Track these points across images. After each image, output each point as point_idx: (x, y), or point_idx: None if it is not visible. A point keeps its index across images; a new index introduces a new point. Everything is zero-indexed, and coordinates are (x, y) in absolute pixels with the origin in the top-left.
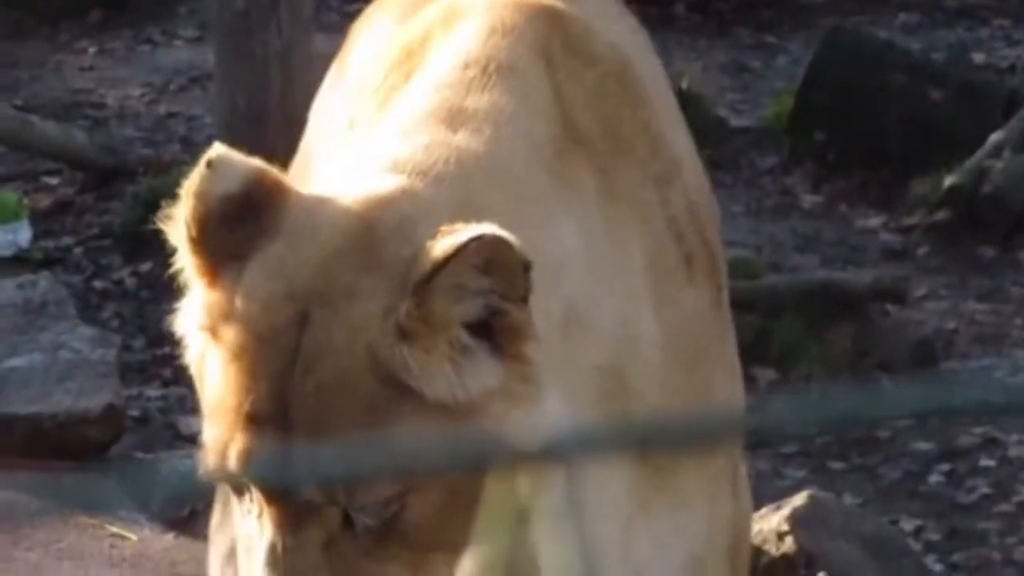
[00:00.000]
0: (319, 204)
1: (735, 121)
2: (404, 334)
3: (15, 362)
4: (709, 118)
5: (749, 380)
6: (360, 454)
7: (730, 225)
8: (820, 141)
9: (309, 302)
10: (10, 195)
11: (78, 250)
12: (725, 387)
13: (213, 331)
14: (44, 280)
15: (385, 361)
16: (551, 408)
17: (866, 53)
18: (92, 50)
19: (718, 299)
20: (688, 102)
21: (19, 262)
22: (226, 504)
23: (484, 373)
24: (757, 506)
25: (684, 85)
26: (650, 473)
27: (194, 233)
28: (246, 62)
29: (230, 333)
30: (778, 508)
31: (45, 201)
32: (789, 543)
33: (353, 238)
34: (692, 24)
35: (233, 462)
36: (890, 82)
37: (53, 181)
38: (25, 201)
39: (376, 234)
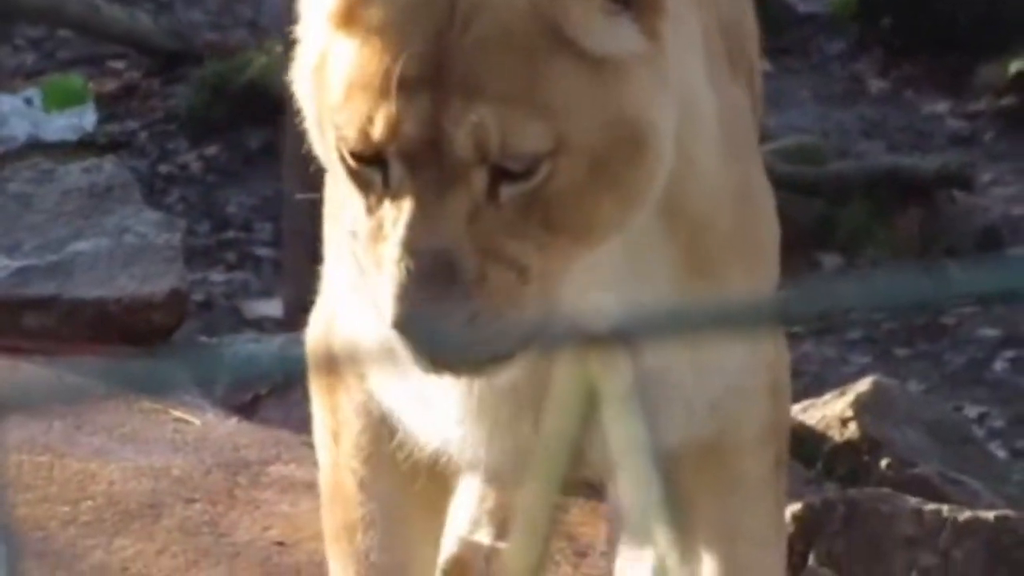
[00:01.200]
0: None
1: (803, 7)
2: None
3: (81, 246)
4: (777, 5)
5: (814, 265)
6: (518, 104)
7: (797, 111)
8: (887, 27)
9: None
10: (76, 79)
11: (143, 134)
12: (760, 187)
13: (348, 15)
14: (109, 164)
15: (546, 11)
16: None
17: None
18: None
19: (755, 109)
20: None
21: (84, 146)
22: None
23: (629, 36)
24: (821, 391)
25: None
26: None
27: None
28: None
29: (374, 6)
30: (842, 394)
31: (110, 85)
32: (853, 429)
33: None
34: None
35: (380, 129)
36: None
37: (119, 65)
38: (90, 85)
39: None
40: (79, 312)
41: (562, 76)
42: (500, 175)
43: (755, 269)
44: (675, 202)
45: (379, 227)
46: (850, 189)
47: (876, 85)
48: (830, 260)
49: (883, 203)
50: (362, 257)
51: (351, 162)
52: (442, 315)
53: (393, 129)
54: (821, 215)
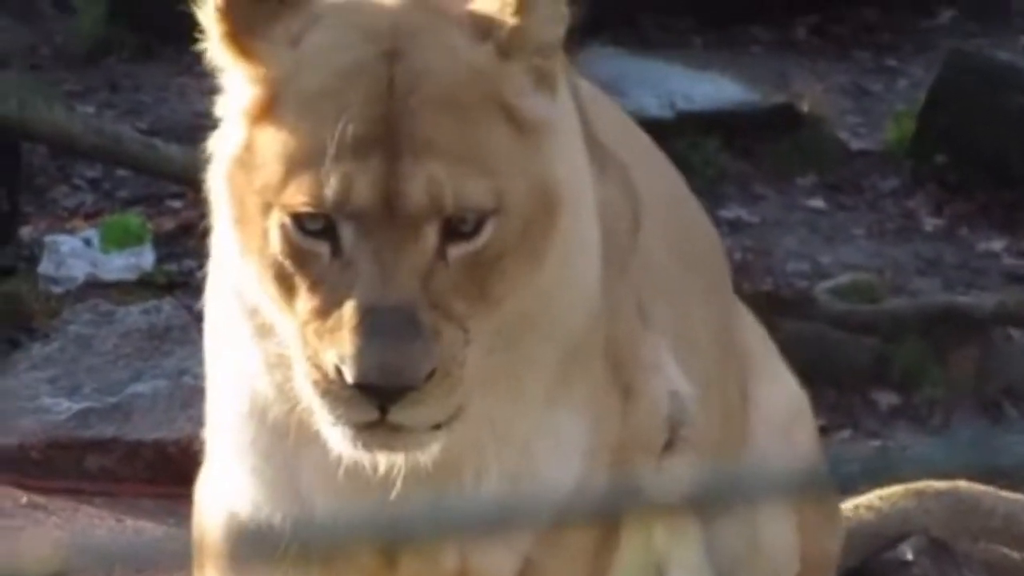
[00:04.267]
0: None
1: (856, 144)
2: (506, 53)
3: (140, 388)
4: (830, 141)
5: (870, 404)
6: (465, 162)
7: (851, 248)
8: (941, 163)
9: (395, 40)
10: (134, 218)
11: (201, 273)
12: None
13: (268, 102)
14: (168, 305)
15: (486, 79)
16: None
17: (987, 75)
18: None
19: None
20: (808, 125)
21: (143, 286)
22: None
23: (548, 104)
24: None
25: (804, 108)
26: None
27: (219, 1)
28: None
29: (306, 81)
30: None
31: (168, 224)
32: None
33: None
34: (812, 47)
35: (334, 192)
36: (1012, 104)
37: (176, 204)
38: (148, 225)
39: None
40: (138, 453)
41: (500, 138)
42: (449, 235)
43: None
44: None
45: (329, 296)
46: (905, 327)
47: (930, 222)
48: (885, 399)
49: (939, 341)
50: (302, 342)
51: (296, 238)
52: (408, 366)
53: (347, 189)
54: (876, 353)
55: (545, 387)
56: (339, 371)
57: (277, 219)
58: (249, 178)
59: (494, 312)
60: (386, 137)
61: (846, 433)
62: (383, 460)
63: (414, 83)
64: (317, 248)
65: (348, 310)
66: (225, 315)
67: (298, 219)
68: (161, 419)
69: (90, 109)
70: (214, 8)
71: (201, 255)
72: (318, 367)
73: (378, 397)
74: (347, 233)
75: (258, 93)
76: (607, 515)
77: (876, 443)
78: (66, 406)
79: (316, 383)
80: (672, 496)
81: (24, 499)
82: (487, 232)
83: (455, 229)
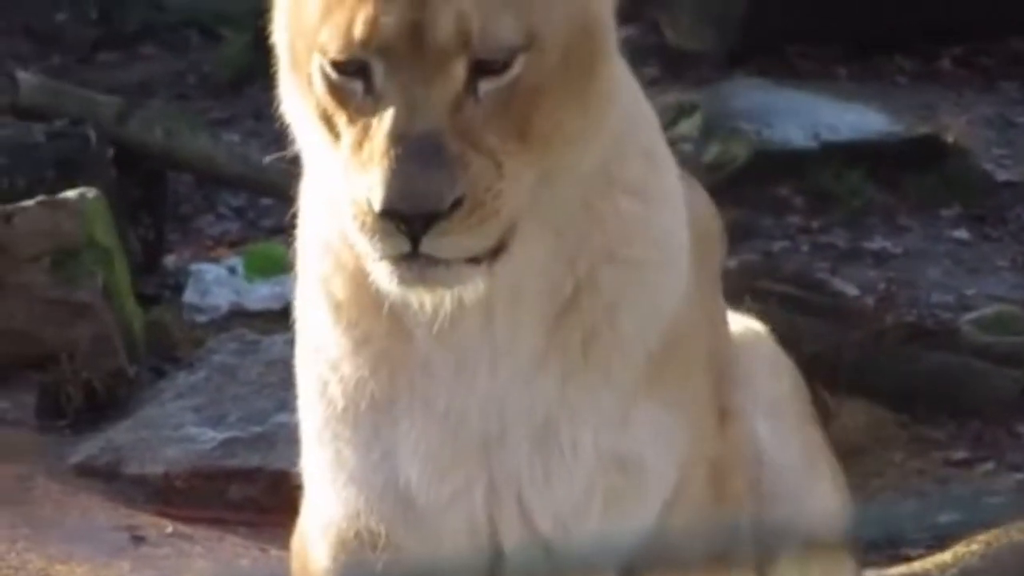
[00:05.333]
0: None
1: (1001, 175)
2: None
3: (284, 418)
4: (975, 172)
5: (1015, 436)
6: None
7: (995, 280)
8: None
9: None
10: (278, 247)
11: None
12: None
13: None
14: None
15: None
16: None
17: None
18: None
19: None
20: (953, 156)
21: (287, 315)
22: None
23: None
24: None
25: (949, 139)
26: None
27: None
28: None
29: None
30: None
31: None
32: None
33: None
34: (958, 78)
35: (362, 28)
36: None
37: None
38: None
39: None
40: (283, 483)
41: None
42: (478, 70)
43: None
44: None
45: (363, 131)
46: None
47: None
48: None
49: None
50: (344, 170)
51: (333, 75)
52: (432, 192)
53: (374, 26)
54: (1021, 385)
55: (637, 374)
56: (370, 202)
57: (316, 60)
58: (298, 22)
59: (538, 151)
60: None
61: (989, 465)
62: (426, 298)
63: None
64: (352, 86)
65: (377, 140)
66: (307, 306)
67: (331, 57)
68: None
69: (235, 137)
70: None
71: None
72: (356, 202)
73: (406, 225)
74: (378, 70)
75: None
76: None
77: (1020, 476)
78: (211, 435)
79: (355, 217)
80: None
81: (169, 528)
82: (517, 67)
83: (485, 64)
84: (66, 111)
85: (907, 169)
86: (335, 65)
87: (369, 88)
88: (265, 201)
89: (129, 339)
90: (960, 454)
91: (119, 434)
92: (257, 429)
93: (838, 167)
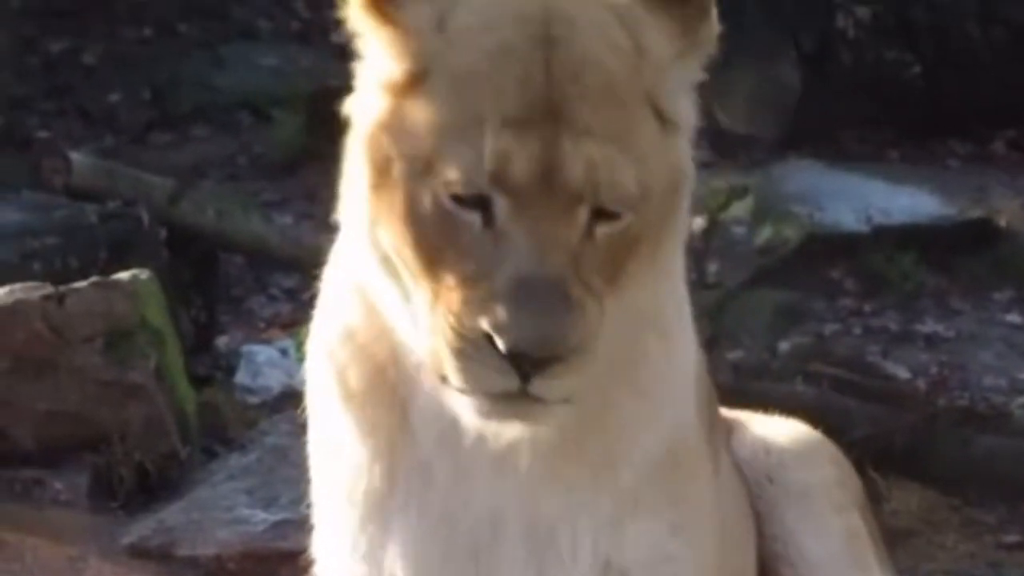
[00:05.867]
0: None
1: None
2: (681, 54)
3: None
4: None
5: None
6: (620, 147)
7: None
8: None
9: (549, 25)
10: None
11: None
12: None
13: (416, 76)
14: None
15: (642, 75)
16: None
17: None
18: None
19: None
20: (1006, 239)
21: None
22: None
23: (689, 109)
24: None
25: (1002, 222)
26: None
27: None
28: None
29: (458, 58)
30: None
31: None
32: None
33: None
34: (1010, 161)
35: (492, 166)
36: None
37: None
38: None
39: None
40: None
41: (648, 129)
42: (597, 216)
43: None
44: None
45: (478, 264)
46: None
47: None
48: None
49: None
50: (443, 309)
51: (448, 205)
52: (560, 336)
53: (506, 163)
54: None
55: (639, 485)
56: (489, 339)
57: (428, 186)
58: (396, 145)
59: (619, 295)
60: (544, 119)
61: None
62: (509, 432)
63: (576, 71)
64: (468, 218)
65: (502, 280)
66: (320, 376)
67: (450, 188)
68: None
69: (288, 219)
70: None
71: None
72: (462, 335)
73: (527, 366)
74: (501, 206)
75: (405, 66)
76: None
77: None
78: (263, 517)
79: (458, 351)
80: None
81: None
82: (630, 215)
83: (604, 211)
84: (119, 192)
85: (959, 252)
86: (451, 195)
87: (488, 222)
88: (317, 283)
89: (181, 420)
90: (1012, 537)
91: (171, 515)
92: (309, 511)
93: (890, 250)
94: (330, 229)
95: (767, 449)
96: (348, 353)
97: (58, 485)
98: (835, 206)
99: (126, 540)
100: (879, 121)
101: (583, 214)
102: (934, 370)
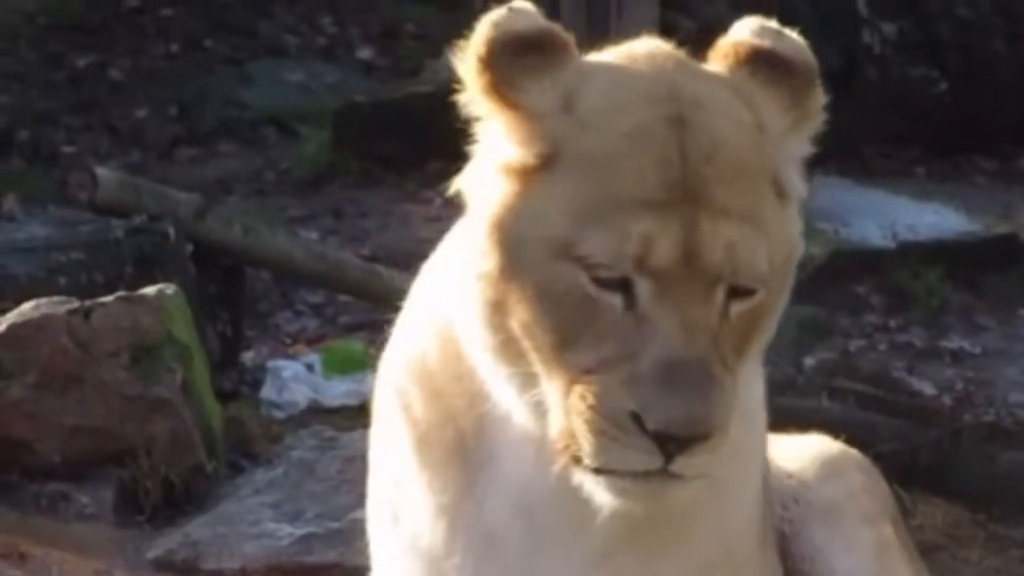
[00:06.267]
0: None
1: None
2: (793, 127)
3: (362, 514)
4: None
5: None
6: (753, 227)
7: None
8: None
9: (678, 105)
10: (355, 345)
11: None
12: None
13: (545, 159)
14: None
15: (768, 156)
16: None
17: None
18: (437, 201)
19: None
20: None
21: (365, 412)
22: None
23: (801, 184)
24: None
25: None
26: None
27: (483, 52)
28: None
29: (590, 141)
30: None
31: None
32: None
33: (678, 62)
34: None
35: (637, 249)
36: None
37: None
38: (371, 350)
39: (691, 67)
40: None
41: (771, 206)
42: (732, 292)
43: None
44: None
45: (620, 347)
46: None
47: None
48: None
49: None
50: (582, 391)
51: (589, 287)
52: (708, 416)
53: (650, 245)
54: None
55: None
56: (633, 419)
57: (565, 269)
58: (529, 229)
59: (744, 369)
60: (683, 200)
61: None
62: (639, 509)
63: (710, 152)
64: (610, 300)
65: (648, 362)
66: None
67: (591, 271)
68: None
69: (313, 235)
70: (476, 59)
71: None
72: (604, 415)
73: (672, 446)
74: (644, 288)
75: (533, 149)
76: None
77: None
78: (288, 531)
79: (600, 431)
80: None
81: None
82: (762, 293)
83: (739, 289)
84: (145, 207)
85: (985, 268)
86: (591, 278)
87: (630, 304)
88: (343, 298)
89: (207, 435)
90: None
91: (197, 529)
92: (334, 525)
93: (916, 266)
94: (356, 243)
95: (788, 474)
96: (423, 399)
97: (84, 499)
98: (861, 222)
99: (152, 554)
100: (905, 137)
101: (721, 293)
102: (960, 386)
